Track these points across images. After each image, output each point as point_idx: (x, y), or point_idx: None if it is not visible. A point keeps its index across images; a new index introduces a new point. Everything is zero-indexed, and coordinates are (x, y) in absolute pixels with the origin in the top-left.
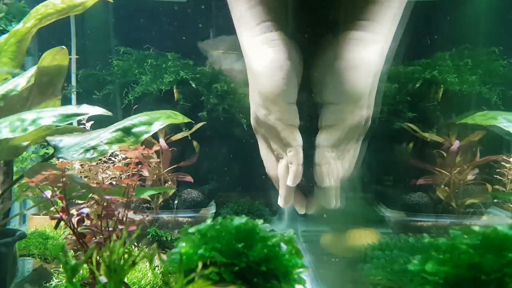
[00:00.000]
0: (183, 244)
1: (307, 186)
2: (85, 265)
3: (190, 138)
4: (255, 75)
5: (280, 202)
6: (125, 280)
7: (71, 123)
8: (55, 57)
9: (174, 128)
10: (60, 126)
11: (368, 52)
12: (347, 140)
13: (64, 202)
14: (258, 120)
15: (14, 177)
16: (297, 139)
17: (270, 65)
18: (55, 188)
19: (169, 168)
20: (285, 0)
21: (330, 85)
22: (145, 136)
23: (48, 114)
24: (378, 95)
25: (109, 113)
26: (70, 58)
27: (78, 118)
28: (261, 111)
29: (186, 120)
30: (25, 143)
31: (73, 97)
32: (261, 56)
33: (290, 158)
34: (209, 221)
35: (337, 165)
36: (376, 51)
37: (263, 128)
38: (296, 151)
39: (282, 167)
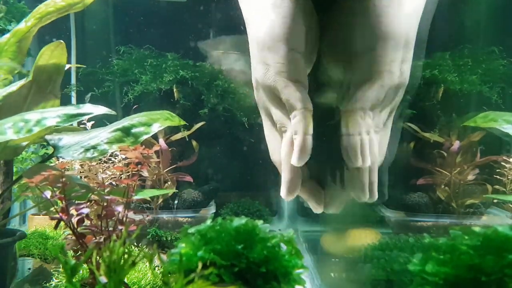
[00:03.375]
0: (183, 245)
1: (325, 176)
2: (85, 265)
3: (188, 139)
4: (253, 21)
5: (283, 191)
6: (125, 280)
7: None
8: (53, 53)
9: (173, 128)
10: (63, 126)
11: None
12: (384, 107)
13: (63, 202)
14: (257, 84)
15: (14, 177)
16: (303, 100)
17: (270, 5)
18: (55, 189)
19: (169, 168)
20: None
21: (365, 26)
22: (145, 137)
23: (52, 114)
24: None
25: (113, 112)
26: (70, 57)
27: (82, 118)
28: (259, 69)
29: (183, 123)
30: (24, 143)
31: (73, 95)
32: None
33: (295, 125)
34: (208, 222)
35: (375, 137)
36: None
37: (263, 94)
38: (303, 116)
39: (286, 142)
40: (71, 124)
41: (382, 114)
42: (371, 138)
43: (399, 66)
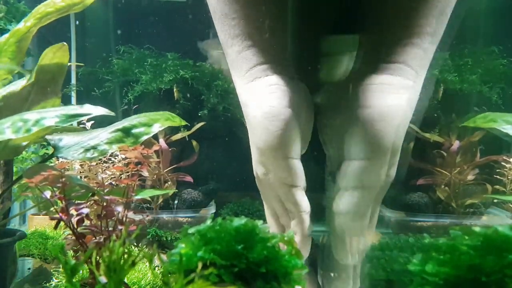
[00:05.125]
0: (183, 245)
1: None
2: (85, 265)
3: (188, 139)
4: (251, 126)
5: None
6: (125, 280)
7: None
8: (55, 54)
9: (173, 128)
10: (64, 126)
11: (399, 100)
12: (373, 205)
13: (63, 202)
14: (258, 179)
15: (14, 177)
16: (301, 204)
17: (266, 114)
18: (55, 189)
19: (169, 168)
20: (284, 36)
21: (355, 138)
22: (145, 137)
23: (51, 115)
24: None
25: (112, 113)
26: (70, 57)
27: (81, 118)
28: (259, 169)
29: (183, 123)
30: (24, 143)
31: (73, 95)
32: (256, 104)
33: (294, 227)
34: (208, 222)
35: (362, 238)
36: (407, 99)
37: (264, 189)
38: (300, 219)
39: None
40: (71, 124)
41: (372, 209)
42: (359, 241)
43: (388, 171)
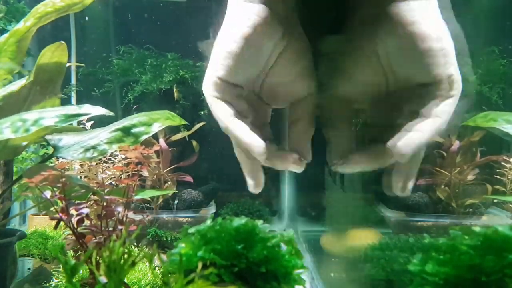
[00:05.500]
0: (183, 245)
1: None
2: (85, 265)
3: (188, 139)
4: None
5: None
6: (125, 280)
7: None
8: (54, 53)
9: (173, 128)
10: (63, 126)
11: (437, 19)
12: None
13: (63, 202)
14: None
15: (14, 177)
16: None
17: (228, 35)
18: (55, 189)
19: (169, 168)
20: None
21: (410, 61)
22: (145, 137)
23: (50, 114)
24: None
25: (111, 113)
26: (69, 57)
27: (80, 118)
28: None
29: (183, 122)
30: (24, 143)
31: (73, 95)
32: (229, 26)
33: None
34: (208, 222)
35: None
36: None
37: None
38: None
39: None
40: (71, 124)
41: None
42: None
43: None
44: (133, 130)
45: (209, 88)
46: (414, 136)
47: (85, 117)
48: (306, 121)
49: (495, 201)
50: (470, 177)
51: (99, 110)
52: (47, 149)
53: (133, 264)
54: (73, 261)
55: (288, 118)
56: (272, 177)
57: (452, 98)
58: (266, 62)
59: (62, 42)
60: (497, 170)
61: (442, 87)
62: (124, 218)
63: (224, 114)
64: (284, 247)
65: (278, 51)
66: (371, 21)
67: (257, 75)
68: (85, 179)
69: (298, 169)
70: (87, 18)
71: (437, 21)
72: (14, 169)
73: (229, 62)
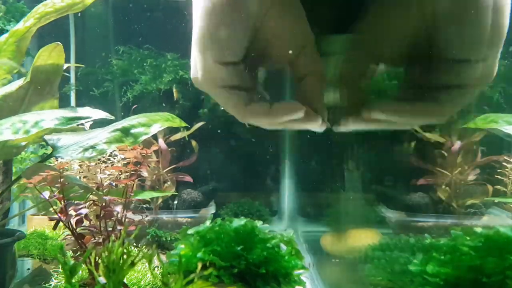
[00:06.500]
0: (182, 246)
1: None
2: (84, 266)
3: (187, 139)
4: (194, 16)
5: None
6: (124, 280)
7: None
8: (51, 54)
9: (173, 128)
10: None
11: None
12: None
13: (62, 202)
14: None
15: (13, 177)
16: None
17: (205, 6)
18: (54, 189)
19: (168, 168)
20: None
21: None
22: (144, 137)
23: (50, 117)
24: None
25: (112, 117)
26: (69, 56)
27: (81, 121)
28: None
29: (183, 124)
30: (23, 143)
31: (72, 94)
32: None
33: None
34: (208, 223)
35: None
36: None
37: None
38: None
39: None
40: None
41: None
42: None
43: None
44: (132, 131)
45: (207, 80)
46: None
47: (85, 121)
48: (313, 76)
49: (496, 201)
50: (471, 177)
51: (99, 114)
52: (46, 149)
53: (133, 264)
54: (72, 262)
55: (294, 78)
56: (272, 177)
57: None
58: (254, 19)
59: (59, 43)
60: (498, 171)
61: (476, 71)
62: (123, 219)
63: (237, 104)
64: (284, 247)
65: (267, 6)
66: None
67: (249, 35)
68: (84, 179)
69: (316, 125)
70: (86, 18)
71: None
72: (14, 170)
73: (214, 39)
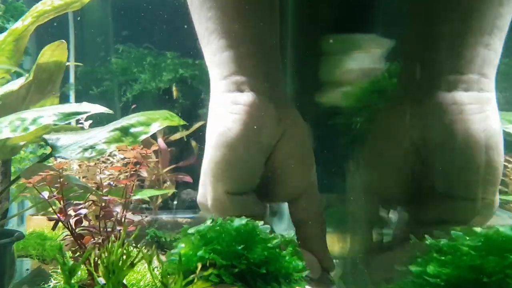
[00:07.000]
0: (183, 245)
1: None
2: (83, 266)
3: (187, 139)
4: (207, 143)
5: None
6: (124, 281)
7: (69, 122)
8: (54, 52)
9: (172, 128)
10: (60, 124)
11: (489, 121)
12: None
13: (61, 202)
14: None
15: (12, 177)
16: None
17: (219, 138)
18: (53, 189)
19: (168, 168)
20: (273, 37)
21: (451, 174)
22: (144, 137)
23: (48, 113)
24: None
25: (110, 111)
26: (68, 55)
27: (79, 116)
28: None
29: (182, 122)
30: (22, 142)
31: (72, 94)
32: (216, 122)
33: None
34: (208, 222)
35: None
36: (495, 117)
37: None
38: None
39: None
40: (69, 123)
41: None
42: None
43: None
44: (132, 130)
45: (217, 208)
46: None
47: (84, 116)
48: (315, 223)
49: None
50: None
51: (97, 108)
52: (45, 149)
53: (132, 265)
54: (71, 262)
55: (291, 217)
56: None
57: None
58: (266, 149)
59: (63, 41)
60: None
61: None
62: (123, 219)
63: None
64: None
65: (277, 138)
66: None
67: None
68: (84, 179)
69: (315, 274)
70: (86, 16)
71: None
72: (12, 169)
73: (232, 170)
